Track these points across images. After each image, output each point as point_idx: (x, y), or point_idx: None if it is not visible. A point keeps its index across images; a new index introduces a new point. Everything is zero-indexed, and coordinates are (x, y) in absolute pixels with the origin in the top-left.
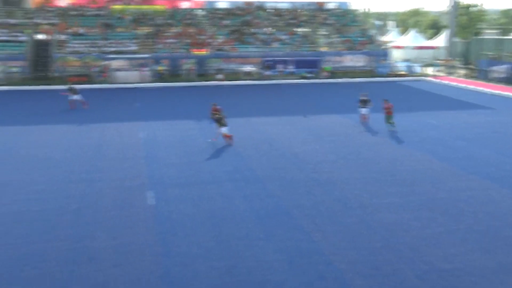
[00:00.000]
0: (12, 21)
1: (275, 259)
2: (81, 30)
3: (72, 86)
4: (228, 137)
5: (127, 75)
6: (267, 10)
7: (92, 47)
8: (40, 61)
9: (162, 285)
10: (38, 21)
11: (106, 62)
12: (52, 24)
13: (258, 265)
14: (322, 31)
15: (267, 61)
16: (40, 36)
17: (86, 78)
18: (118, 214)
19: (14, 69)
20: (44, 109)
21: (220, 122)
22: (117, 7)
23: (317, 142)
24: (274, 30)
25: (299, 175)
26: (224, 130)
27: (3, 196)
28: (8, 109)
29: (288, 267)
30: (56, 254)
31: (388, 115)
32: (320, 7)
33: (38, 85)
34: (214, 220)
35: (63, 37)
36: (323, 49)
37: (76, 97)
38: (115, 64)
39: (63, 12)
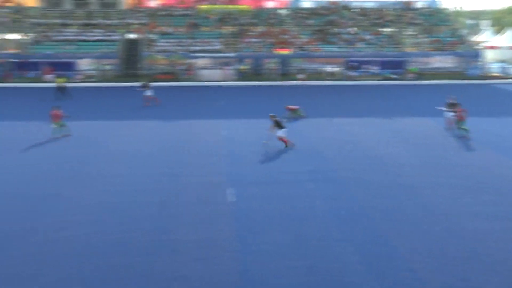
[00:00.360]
0: (108, 21)
1: (354, 261)
2: (169, 30)
3: (146, 82)
4: (285, 140)
5: (211, 73)
6: (352, 10)
7: (179, 46)
8: (131, 59)
9: (241, 281)
10: (130, 21)
11: (192, 61)
12: (143, 24)
13: (337, 267)
14: (409, 31)
15: (351, 61)
16: (131, 36)
17: (172, 76)
18: (199, 209)
19: (107, 67)
20: (133, 105)
21: (278, 124)
22: (204, 7)
23: (401, 145)
24: (359, 30)
25: (382, 178)
26: (280, 133)
27: (94, 187)
28: (101, 104)
29: (367, 270)
30: (141, 245)
31: (460, 120)
32: (407, 6)
33: (128, 81)
34: (294, 220)
35: (152, 36)
36: (410, 49)
37: (148, 92)
38: (200, 62)
39: (153, 12)
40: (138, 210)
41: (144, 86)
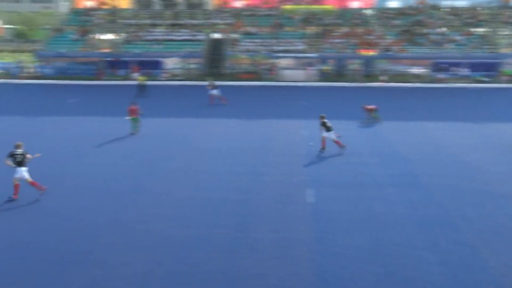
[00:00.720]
0: (194, 22)
1: (438, 271)
2: (252, 30)
3: (213, 81)
4: (324, 144)
5: (293, 73)
6: (442, 9)
7: (262, 45)
8: (215, 58)
9: (317, 282)
10: (215, 21)
11: (274, 61)
12: (227, 24)
13: (419, 276)
14: (506, 31)
15: (440, 63)
16: (216, 35)
17: (254, 75)
18: (279, 208)
19: (192, 66)
20: (214, 103)
21: (325, 126)
22: (288, 7)
23: (490, 151)
24: (448, 30)
25: (468, 185)
26: (327, 134)
27: (176, 182)
28: (182, 102)
29: (451, 282)
30: (220, 241)
31: None
32: (505, 4)
33: (212, 80)
34: (373, 224)
35: (236, 36)
36: (505, 50)
37: (215, 92)
38: (282, 62)
39: (238, 13)
40: (218, 207)
41: (211, 85)
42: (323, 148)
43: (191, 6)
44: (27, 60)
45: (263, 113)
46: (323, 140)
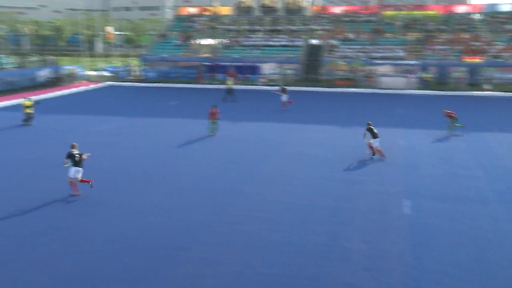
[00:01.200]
0: (292, 27)
1: None
2: (350, 36)
3: (284, 86)
4: (373, 149)
5: (392, 81)
6: None
7: (360, 52)
8: (312, 64)
9: None
10: (314, 27)
11: (373, 67)
12: (326, 30)
13: None
14: None
15: None
16: (313, 41)
17: (351, 82)
18: (372, 218)
19: (289, 71)
20: (310, 108)
21: (372, 132)
22: (389, 13)
23: None
24: None
25: None
26: (373, 141)
27: (271, 186)
28: (274, 107)
29: None
30: (311, 247)
31: None
32: None
33: (308, 86)
34: (476, 241)
35: (334, 42)
36: None
37: (284, 97)
38: (381, 69)
39: (337, 18)
40: (312, 213)
41: (282, 91)
42: (374, 154)
43: (289, 12)
44: (134, 64)
45: (359, 120)
46: (370, 146)
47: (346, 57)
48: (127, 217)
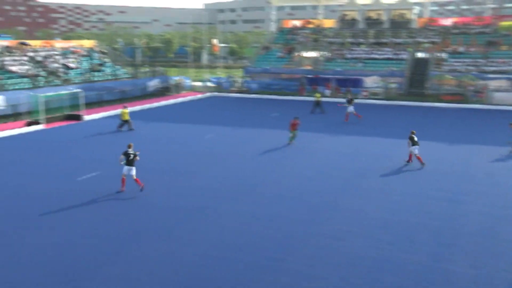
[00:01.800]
0: (397, 40)
1: None
2: (460, 48)
3: (351, 98)
4: (418, 158)
5: (507, 96)
6: None
7: (471, 65)
8: (417, 78)
9: None
10: (421, 39)
11: (484, 82)
12: (433, 43)
13: None
14: None
15: None
16: (419, 54)
17: (460, 97)
18: (479, 241)
19: (392, 85)
20: (419, 123)
21: (413, 140)
22: (506, 23)
23: None
24: None
25: None
26: (412, 148)
27: (370, 202)
28: (391, 121)
29: None
30: (412, 267)
31: None
32: None
33: (412, 101)
34: None
35: (441, 55)
36: None
37: (350, 109)
38: (494, 84)
39: (445, 31)
40: (412, 231)
41: (349, 102)
42: (409, 161)
43: (395, 24)
44: (237, 76)
45: (466, 137)
46: (412, 155)
47: (454, 71)
48: (231, 224)
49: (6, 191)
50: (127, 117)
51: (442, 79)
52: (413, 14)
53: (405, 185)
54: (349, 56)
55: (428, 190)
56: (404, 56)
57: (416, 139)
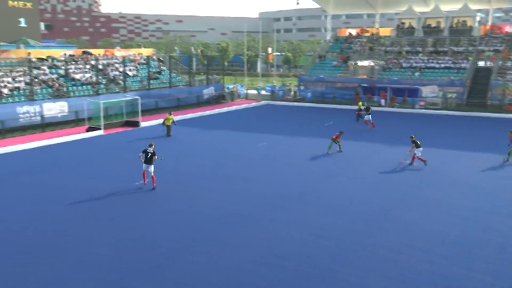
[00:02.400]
0: (458, 48)
1: None
2: None
3: (368, 106)
4: (420, 159)
5: None
6: None
7: None
8: (477, 88)
9: None
10: (482, 48)
11: None
12: (496, 51)
13: None
14: None
15: None
16: (481, 63)
17: None
18: None
19: (451, 95)
20: (478, 135)
21: (416, 144)
22: None
23: None
24: None
25: None
26: (416, 151)
27: (427, 214)
28: (449, 132)
29: None
30: (474, 285)
31: None
32: None
33: (472, 111)
34: None
35: (506, 64)
36: None
37: (368, 117)
38: None
39: (510, 38)
40: (473, 248)
41: (366, 110)
42: (411, 163)
43: (455, 32)
44: (291, 84)
45: None
46: (419, 158)
47: None
48: (282, 232)
49: (66, 192)
50: (169, 123)
51: (506, 88)
52: (475, 21)
53: (465, 199)
54: (406, 65)
55: (492, 205)
56: (465, 65)
57: (419, 142)
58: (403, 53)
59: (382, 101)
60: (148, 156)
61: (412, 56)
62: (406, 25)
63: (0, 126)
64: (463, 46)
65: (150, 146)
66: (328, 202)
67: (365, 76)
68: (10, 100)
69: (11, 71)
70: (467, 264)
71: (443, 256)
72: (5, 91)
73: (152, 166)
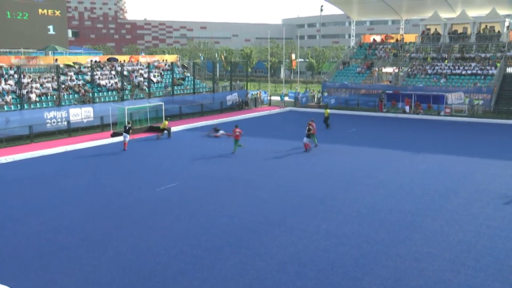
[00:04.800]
0: (485, 55)
1: None
2: None
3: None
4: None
5: None
6: None
7: None
8: (505, 94)
9: None
10: (511, 54)
11: None
12: None
13: None
14: None
15: None
16: (510, 70)
17: None
18: None
19: (478, 102)
20: (508, 144)
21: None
22: None
23: None
24: None
25: None
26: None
27: (453, 225)
28: (476, 140)
29: None
30: None
31: None
32: None
33: (500, 118)
34: None
35: None
36: None
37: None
38: None
39: None
40: (503, 259)
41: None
42: None
43: (482, 38)
44: (314, 90)
45: None
46: None
47: None
48: (306, 240)
49: (97, 196)
50: (163, 127)
51: None
52: (504, 27)
53: (495, 209)
54: (431, 71)
55: None
56: (492, 72)
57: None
58: (428, 59)
59: (407, 108)
60: (127, 128)
61: (438, 63)
62: (432, 31)
63: (28, 131)
64: (490, 52)
65: (128, 123)
66: (353, 210)
67: (389, 83)
68: (38, 105)
69: (39, 77)
70: (497, 276)
71: (471, 267)
72: (33, 96)
73: (129, 136)
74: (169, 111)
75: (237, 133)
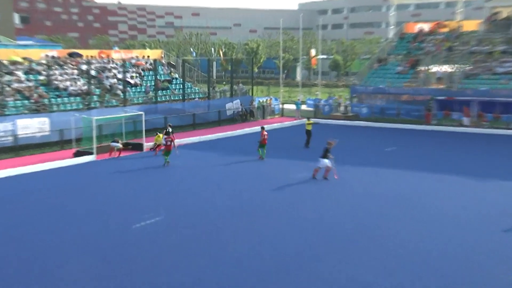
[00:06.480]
0: None
1: None
2: None
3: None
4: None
5: None
6: None
7: None
8: None
9: None
10: None
11: None
12: None
13: None
14: None
15: None
16: None
17: None
18: None
19: None
20: None
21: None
22: None
23: None
24: None
25: None
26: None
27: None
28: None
29: None
30: None
31: None
32: None
33: None
34: None
35: None
36: None
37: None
38: None
39: None
40: None
41: None
42: None
43: None
44: (341, 97)
45: None
46: None
47: None
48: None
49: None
50: (157, 142)
51: None
52: None
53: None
54: (500, 70)
55: None
56: None
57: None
58: (495, 54)
59: (465, 120)
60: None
61: (509, 58)
62: (501, 16)
63: None
64: None
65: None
66: (399, 238)
67: (441, 86)
68: None
69: None
70: None
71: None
72: None
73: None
74: (151, 123)
75: (265, 137)
